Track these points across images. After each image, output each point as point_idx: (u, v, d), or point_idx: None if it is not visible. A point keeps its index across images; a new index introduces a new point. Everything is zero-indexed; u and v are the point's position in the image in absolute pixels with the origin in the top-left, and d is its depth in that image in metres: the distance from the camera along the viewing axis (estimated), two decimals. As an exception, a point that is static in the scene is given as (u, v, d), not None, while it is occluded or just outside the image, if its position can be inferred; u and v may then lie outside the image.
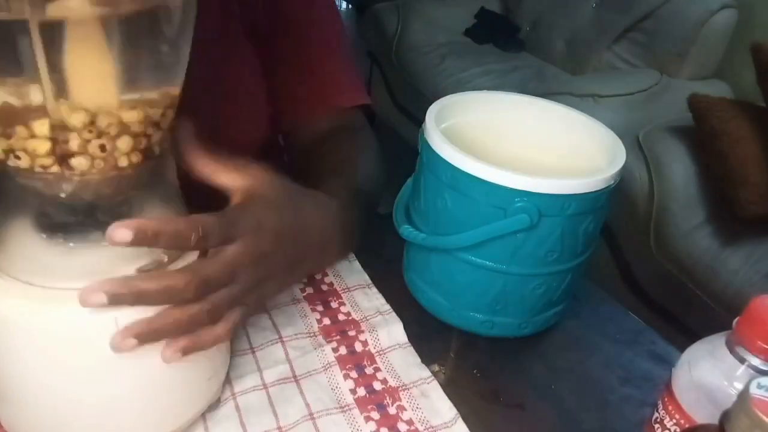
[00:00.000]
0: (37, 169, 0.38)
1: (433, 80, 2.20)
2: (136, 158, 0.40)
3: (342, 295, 0.65)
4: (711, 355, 0.42)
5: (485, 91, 0.68)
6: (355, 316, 0.62)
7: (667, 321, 1.51)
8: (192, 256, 0.45)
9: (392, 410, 0.54)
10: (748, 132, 1.42)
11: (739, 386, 0.40)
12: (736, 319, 0.41)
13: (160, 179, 0.45)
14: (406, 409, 0.54)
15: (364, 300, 0.64)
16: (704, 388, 0.42)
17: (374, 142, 0.75)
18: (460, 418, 0.54)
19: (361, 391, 0.55)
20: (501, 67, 2.20)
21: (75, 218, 0.40)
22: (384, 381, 0.56)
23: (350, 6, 3.95)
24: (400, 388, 0.56)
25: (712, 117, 1.46)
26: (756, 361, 0.40)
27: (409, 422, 0.53)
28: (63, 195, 0.39)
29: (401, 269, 0.69)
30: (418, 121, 0.60)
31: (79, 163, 0.38)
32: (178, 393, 0.47)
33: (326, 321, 0.62)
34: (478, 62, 2.21)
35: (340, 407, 0.53)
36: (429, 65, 2.25)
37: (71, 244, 0.41)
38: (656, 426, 0.46)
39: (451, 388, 0.56)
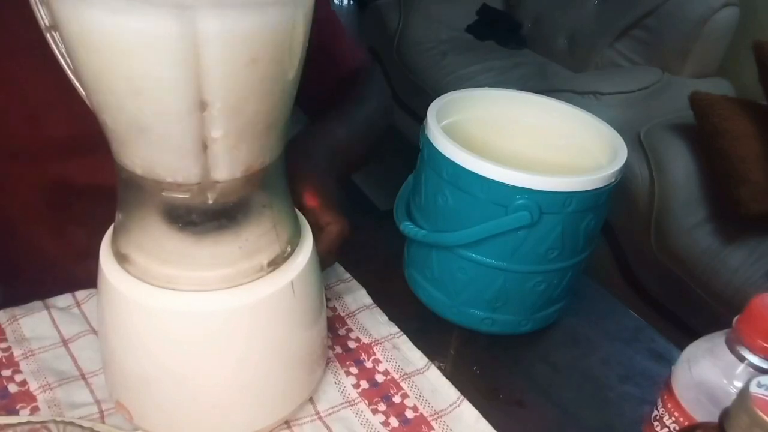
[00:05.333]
0: (183, 183, 0.39)
1: (435, 77, 2.19)
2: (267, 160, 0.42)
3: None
4: (711, 354, 0.42)
5: (486, 88, 0.68)
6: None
7: (667, 319, 1.51)
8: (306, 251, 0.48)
9: (369, 364, 0.58)
10: (749, 130, 1.42)
11: (738, 384, 0.40)
12: (736, 318, 0.41)
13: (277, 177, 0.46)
14: (381, 362, 0.58)
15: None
16: (704, 387, 0.42)
17: (378, 80, 0.82)
18: (466, 400, 0.55)
19: (338, 349, 0.59)
20: (502, 63, 2.19)
21: (206, 216, 0.41)
22: (357, 339, 0.60)
23: (352, 2, 3.94)
24: (373, 344, 0.60)
25: (714, 115, 1.45)
26: (756, 360, 0.40)
27: (385, 372, 0.57)
28: (210, 202, 0.40)
29: (402, 266, 0.69)
30: (420, 117, 0.60)
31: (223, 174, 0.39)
32: (291, 378, 0.50)
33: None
34: (480, 59, 2.20)
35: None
36: (430, 62, 2.24)
37: (201, 236, 0.42)
38: (655, 424, 0.46)
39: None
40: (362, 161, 0.71)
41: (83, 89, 0.38)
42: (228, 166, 0.39)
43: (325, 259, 0.54)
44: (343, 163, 0.64)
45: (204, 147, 0.37)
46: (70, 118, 0.59)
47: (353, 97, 0.76)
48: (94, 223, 0.49)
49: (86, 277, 0.61)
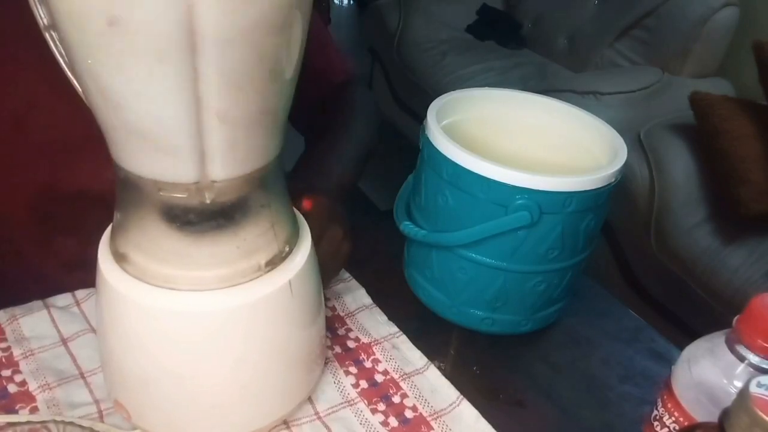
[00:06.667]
0: (181, 183, 0.39)
1: (435, 77, 2.19)
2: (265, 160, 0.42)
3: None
4: (711, 354, 0.42)
5: (486, 88, 0.68)
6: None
7: (667, 319, 1.51)
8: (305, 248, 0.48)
9: (368, 364, 0.58)
10: (749, 130, 1.42)
11: (738, 384, 0.40)
12: (736, 318, 0.41)
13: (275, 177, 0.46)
14: (381, 362, 0.58)
15: None
16: (704, 387, 0.41)
17: (365, 101, 0.82)
18: (465, 399, 0.55)
19: (337, 349, 0.59)
20: (502, 63, 2.19)
21: (204, 216, 0.41)
22: (356, 339, 0.60)
23: (352, 2, 3.94)
24: (372, 344, 0.60)
25: (714, 115, 1.45)
26: (756, 360, 0.40)
27: (385, 372, 0.57)
28: (207, 202, 0.40)
29: (402, 266, 0.69)
30: (420, 117, 0.60)
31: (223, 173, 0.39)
32: (289, 377, 0.50)
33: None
34: (480, 59, 2.20)
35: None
36: (430, 62, 2.24)
37: (199, 235, 0.42)
38: (655, 424, 0.46)
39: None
40: (353, 188, 0.72)
41: (81, 89, 0.38)
42: (226, 165, 0.39)
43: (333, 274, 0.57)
44: (342, 198, 0.65)
45: (202, 147, 0.37)
46: (55, 121, 0.58)
47: (345, 122, 0.76)
48: (82, 233, 0.47)
49: (76, 288, 0.61)
